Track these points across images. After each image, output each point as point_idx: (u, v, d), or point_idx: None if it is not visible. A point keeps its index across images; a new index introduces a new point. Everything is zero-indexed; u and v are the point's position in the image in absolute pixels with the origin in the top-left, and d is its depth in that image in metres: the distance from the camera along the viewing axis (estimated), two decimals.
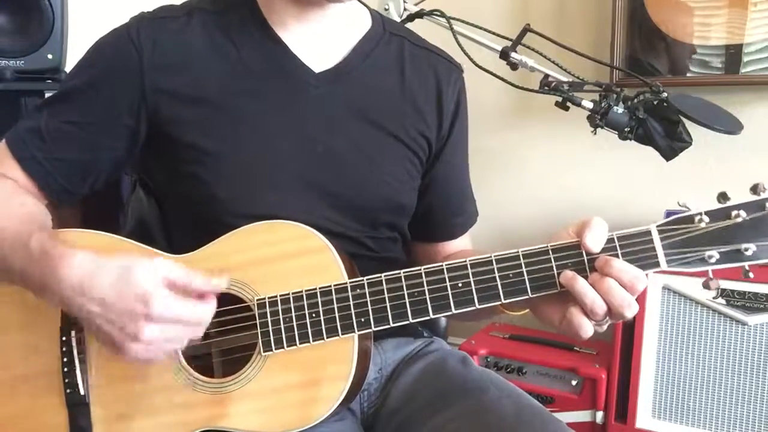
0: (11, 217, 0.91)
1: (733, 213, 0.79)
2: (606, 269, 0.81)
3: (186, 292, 0.83)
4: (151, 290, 0.80)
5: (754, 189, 0.79)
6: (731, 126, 1.53)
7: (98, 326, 0.82)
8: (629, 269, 0.81)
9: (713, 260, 0.81)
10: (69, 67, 1.54)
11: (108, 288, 0.81)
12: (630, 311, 0.81)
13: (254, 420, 0.89)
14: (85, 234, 0.96)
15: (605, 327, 0.85)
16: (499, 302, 0.85)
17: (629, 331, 1.86)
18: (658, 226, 0.82)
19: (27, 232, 0.88)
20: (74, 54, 1.29)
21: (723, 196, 0.80)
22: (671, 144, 1.56)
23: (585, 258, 0.83)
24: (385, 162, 1.04)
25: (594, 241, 0.82)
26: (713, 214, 0.81)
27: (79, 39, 1.44)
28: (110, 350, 0.83)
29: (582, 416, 1.94)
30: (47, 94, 1.35)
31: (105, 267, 0.82)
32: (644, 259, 0.82)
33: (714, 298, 1.77)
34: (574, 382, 1.97)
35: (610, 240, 0.83)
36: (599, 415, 1.92)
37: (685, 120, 1.53)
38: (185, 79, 0.96)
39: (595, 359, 1.99)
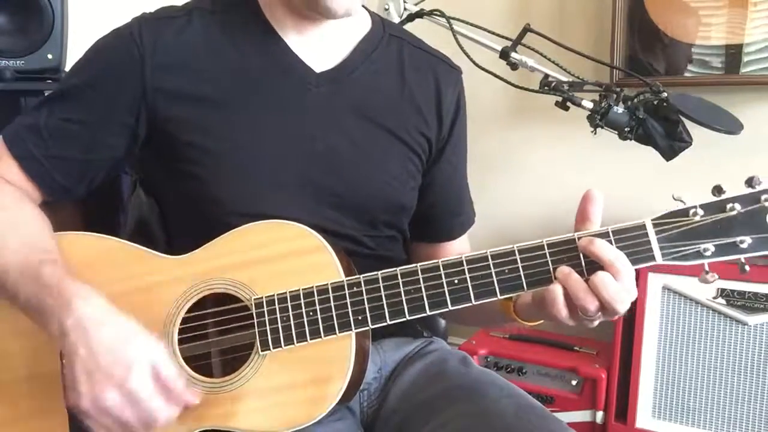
0: (20, 238, 0.91)
1: (728, 206, 0.80)
2: (589, 247, 0.81)
3: (163, 387, 0.83)
4: (137, 366, 0.81)
5: (749, 182, 0.79)
6: (731, 126, 1.52)
7: (73, 368, 0.82)
8: (611, 248, 0.81)
9: (709, 253, 0.81)
10: (69, 67, 1.55)
11: (106, 342, 0.82)
12: (622, 306, 0.81)
13: (253, 419, 0.89)
14: (84, 237, 0.97)
15: (596, 323, 0.85)
16: (496, 298, 0.85)
17: (629, 331, 1.86)
18: (652, 220, 0.82)
19: (38, 260, 0.88)
20: (74, 54, 1.28)
21: (718, 190, 0.80)
22: (671, 144, 1.56)
23: (580, 252, 0.83)
24: (385, 161, 1.05)
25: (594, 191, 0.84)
26: (708, 207, 0.81)
27: (79, 39, 1.44)
28: (67, 392, 0.84)
29: (582, 416, 1.94)
30: (45, 95, 1.35)
31: (114, 322, 0.83)
32: (639, 253, 0.82)
33: (714, 298, 1.77)
34: (574, 382, 1.97)
35: (605, 233, 0.83)
36: (599, 415, 1.92)
37: (685, 120, 1.53)
38: (186, 79, 0.97)
39: (595, 359, 1.99)
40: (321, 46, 1.02)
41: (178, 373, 0.85)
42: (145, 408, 0.82)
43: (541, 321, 0.91)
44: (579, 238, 0.83)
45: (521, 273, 0.84)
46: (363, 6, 1.09)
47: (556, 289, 0.82)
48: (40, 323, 0.86)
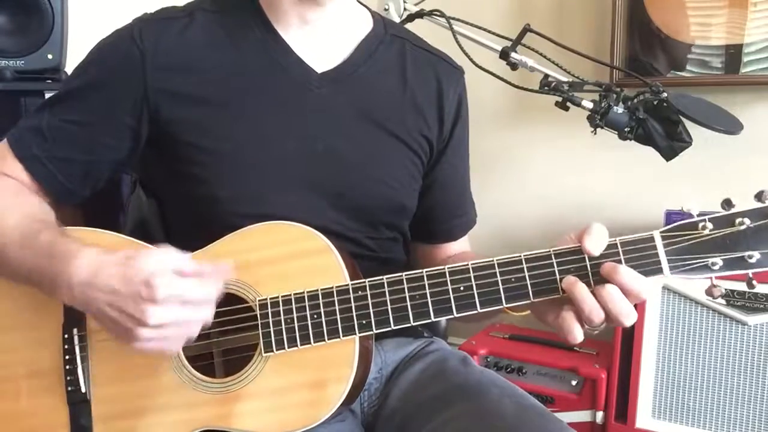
0: (19, 214, 0.92)
1: (738, 220, 0.79)
2: (613, 275, 0.80)
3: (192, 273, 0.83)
4: (154, 273, 0.80)
5: (759, 196, 0.79)
6: (731, 126, 1.53)
7: (108, 317, 0.82)
8: (636, 278, 0.80)
9: (717, 267, 0.80)
10: (69, 67, 1.55)
11: (115, 276, 0.81)
12: (629, 320, 0.81)
13: (255, 420, 0.89)
14: (89, 232, 0.96)
15: (597, 331, 0.84)
16: (501, 306, 0.85)
17: (629, 331, 1.86)
18: (661, 232, 0.81)
19: (36, 229, 0.89)
20: (74, 54, 1.28)
21: (727, 203, 0.80)
22: (671, 144, 1.56)
23: (587, 263, 0.82)
24: (386, 162, 1.05)
25: (593, 245, 0.81)
26: (717, 221, 0.80)
27: (79, 39, 1.44)
28: (122, 341, 0.83)
29: (582, 416, 1.94)
30: (47, 94, 1.35)
31: (111, 257, 0.83)
32: (647, 266, 0.81)
33: (715, 298, 1.77)
34: (574, 382, 1.97)
35: (613, 245, 0.82)
36: (599, 415, 1.92)
37: (685, 120, 1.53)
38: (187, 80, 0.97)
39: (595, 359, 1.99)
40: (322, 47, 1.02)
41: (198, 262, 0.84)
42: (189, 298, 0.81)
43: (528, 312, 0.91)
44: (598, 265, 0.82)
45: (527, 282, 0.84)
46: (365, 6, 1.10)
47: (568, 317, 0.82)
48: (48, 293, 0.87)
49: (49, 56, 1.54)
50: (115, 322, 0.82)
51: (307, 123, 1.00)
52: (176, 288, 0.80)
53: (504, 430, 0.92)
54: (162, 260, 0.82)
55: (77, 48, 1.26)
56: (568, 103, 1.62)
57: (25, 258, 0.88)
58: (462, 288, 0.86)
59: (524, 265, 0.84)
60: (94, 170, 1.00)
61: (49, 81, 1.56)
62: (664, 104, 1.55)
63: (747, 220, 0.79)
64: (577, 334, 0.82)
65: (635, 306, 0.81)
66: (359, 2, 1.09)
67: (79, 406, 0.92)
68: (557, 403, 1.97)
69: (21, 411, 0.94)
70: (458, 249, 1.18)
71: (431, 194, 1.12)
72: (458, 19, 1.77)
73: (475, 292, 0.85)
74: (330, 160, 1.00)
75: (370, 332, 0.88)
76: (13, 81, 1.51)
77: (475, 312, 0.86)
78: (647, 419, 1.87)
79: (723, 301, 1.76)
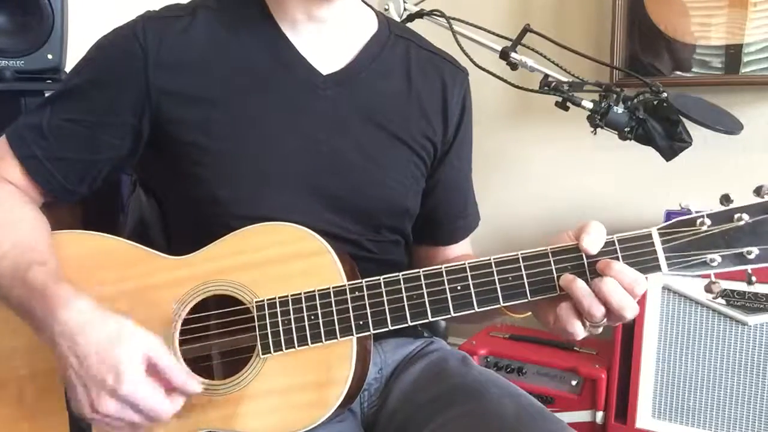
0: (10, 240, 0.91)
1: (736, 216, 0.78)
2: (606, 271, 0.80)
3: (161, 378, 0.83)
4: (127, 368, 0.80)
5: (758, 191, 0.78)
6: (731, 126, 1.53)
7: (68, 378, 0.82)
8: (628, 272, 0.80)
9: (715, 264, 0.79)
10: (69, 67, 1.54)
11: (94, 348, 0.81)
12: (630, 312, 0.80)
13: (254, 422, 0.89)
14: (86, 236, 0.96)
15: (600, 329, 0.84)
16: (499, 305, 0.85)
17: (629, 331, 1.86)
18: (659, 229, 0.81)
19: (26, 262, 0.87)
20: (74, 54, 1.28)
21: (726, 199, 0.79)
22: (671, 144, 1.56)
23: (585, 261, 0.82)
24: (389, 165, 1.04)
25: (591, 244, 0.81)
26: (715, 217, 0.79)
27: (79, 39, 1.44)
28: (71, 403, 0.84)
29: (582, 416, 1.94)
30: (47, 95, 1.34)
31: (101, 324, 0.82)
32: (645, 263, 0.81)
33: (714, 298, 1.77)
34: (574, 382, 1.97)
35: (611, 243, 0.82)
36: (599, 415, 1.93)
37: (685, 120, 1.53)
38: (189, 79, 0.96)
39: (595, 359, 1.99)
40: (328, 48, 1.01)
41: (176, 362, 0.84)
42: (145, 407, 0.81)
43: (529, 313, 0.90)
44: (594, 262, 0.82)
45: (525, 280, 0.84)
46: (369, 6, 1.09)
47: (568, 313, 0.82)
48: (32, 328, 0.87)
49: (49, 56, 1.54)
50: (72, 386, 0.82)
51: (311, 125, 0.99)
52: (139, 392, 0.81)
53: (504, 430, 0.92)
54: (141, 350, 0.82)
55: (77, 48, 1.25)
56: (568, 103, 1.61)
57: (13, 290, 0.87)
58: (459, 287, 0.85)
59: (521, 264, 0.84)
60: (94, 169, 0.99)
61: (49, 81, 1.55)
62: (664, 104, 1.55)
63: (746, 216, 0.78)
64: (579, 331, 0.82)
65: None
66: (364, 2, 1.08)
67: None
68: (557, 403, 1.97)
69: (21, 415, 0.94)
70: (460, 252, 1.17)
71: (434, 196, 1.12)
72: (458, 19, 1.76)
73: (472, 291, 0.85)
74: (333, 163, 1.00)
75: (368, 333, 0.88)
76: (13, 81, 1.50)
77: (473, 311, 0.85)
78: (647, 419, 1.87)
79: (723, 301, 1.76)
